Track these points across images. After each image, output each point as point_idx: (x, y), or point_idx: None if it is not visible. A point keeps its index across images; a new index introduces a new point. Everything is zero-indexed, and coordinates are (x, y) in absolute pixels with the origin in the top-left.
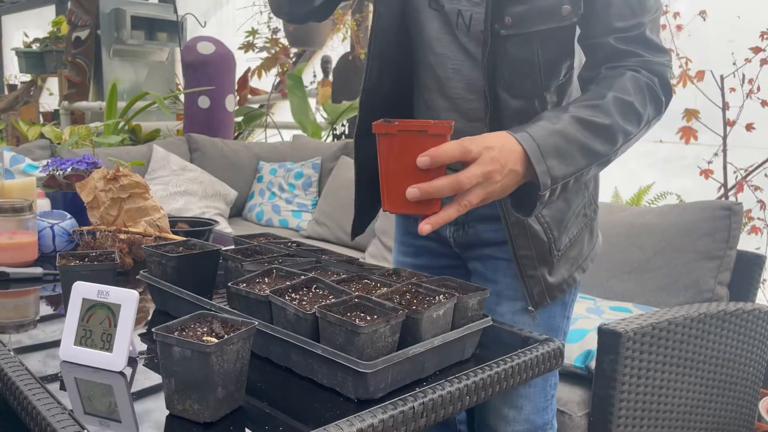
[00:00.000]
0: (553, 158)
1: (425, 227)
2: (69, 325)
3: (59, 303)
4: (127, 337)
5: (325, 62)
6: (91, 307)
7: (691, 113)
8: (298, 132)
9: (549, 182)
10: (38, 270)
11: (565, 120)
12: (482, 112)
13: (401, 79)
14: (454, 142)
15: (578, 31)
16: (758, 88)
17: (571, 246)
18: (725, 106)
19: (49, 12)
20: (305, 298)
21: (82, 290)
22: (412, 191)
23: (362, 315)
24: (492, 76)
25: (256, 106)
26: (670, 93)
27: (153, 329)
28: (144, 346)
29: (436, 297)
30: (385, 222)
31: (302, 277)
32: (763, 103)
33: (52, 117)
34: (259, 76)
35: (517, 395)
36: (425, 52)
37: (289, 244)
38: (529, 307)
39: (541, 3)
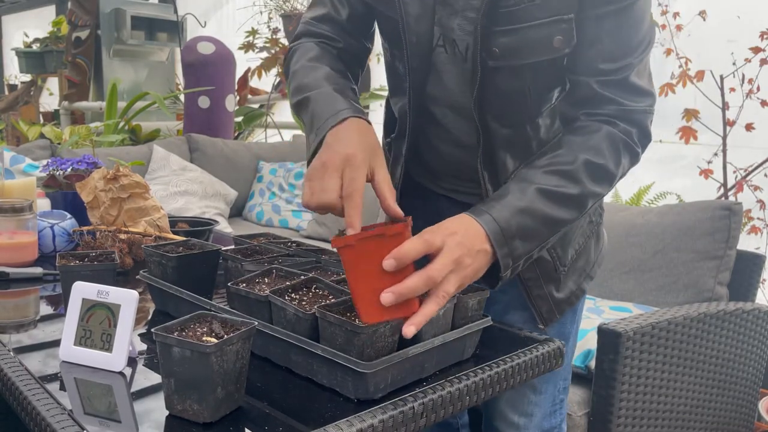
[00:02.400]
0: (516, 239)
1: (409, 329)
2: (69, 325)
3: (59, 303)
4: (126, 337)
5: None
6: (90, 307)
7: (690, 113)
8: (298, 132)
9: (510, 263)
10: (38, 270)
11: (530, 195)
12: (475, 140)
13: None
14: (416, 238)
15: None
16: (758, 88)
17: (578, 257)
18: (725, 106)
19: (49, 12)
20: (305, 298)
21: (82, 290)
22: (387, 296)
23: None
24: (481, 106)
25: (256, 106)
26: (649, 139)
27: (152, 329)
28: (144, 346)
29: None
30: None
31: (302, 277)
32: (763, 103)
33: (52, 117)
34: (259, 76)
35: (527, 402)
36: (434, 87)
37: (289, 244)
38: (540, 326)
39: (531, 34)
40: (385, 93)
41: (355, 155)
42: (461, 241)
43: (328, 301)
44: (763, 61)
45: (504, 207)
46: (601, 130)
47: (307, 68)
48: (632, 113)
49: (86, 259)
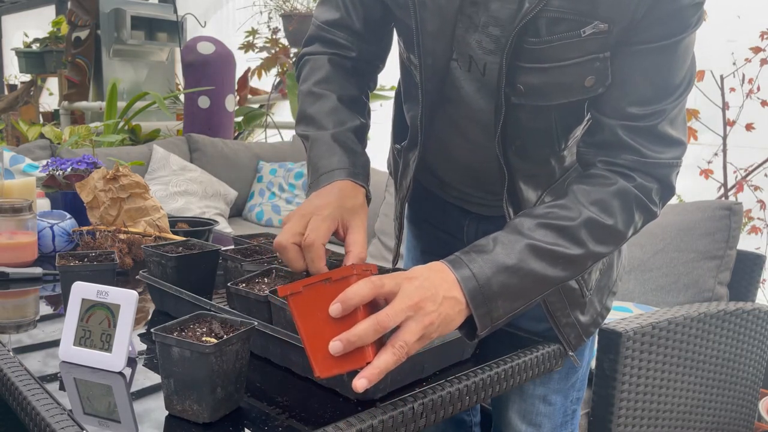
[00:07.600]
0: (497, 299)
1: (360, 382)
2: (68, 326)
3: (59, 303)
4: (126, 337)
5: None
6: (90, 308)
7: (691, 113)
8: None
9: (489, 323)
10: (38, 270)
11: (520, 251)
12: (498, 175)
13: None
14: (363, 281)
15: None
16: (758, 88)
17: (602, 276)
18: (725, 106)
19: (49, 12)
20: None
21: (82, 290)
22: (335, 345)
23: None
24: (504, 143)
25: (256, 106)
26: (672, 193)
27: (152, 329)
28: (143, 346)
29: None
30: (384, 222)
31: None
32: (763, 103)
33: (52, 117)
34: (259, 76)
35: (536, 413)
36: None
37: None
38: (570, 353)
39: (558, 76)
40: (386, 93)
41: (324, 207)
42: (422, 285)
43: None
44: (763, 61)
45: (487, 262)
46: (615, 184)
47: (314, 95)
48: (654, 167)
49: (86, 259)
